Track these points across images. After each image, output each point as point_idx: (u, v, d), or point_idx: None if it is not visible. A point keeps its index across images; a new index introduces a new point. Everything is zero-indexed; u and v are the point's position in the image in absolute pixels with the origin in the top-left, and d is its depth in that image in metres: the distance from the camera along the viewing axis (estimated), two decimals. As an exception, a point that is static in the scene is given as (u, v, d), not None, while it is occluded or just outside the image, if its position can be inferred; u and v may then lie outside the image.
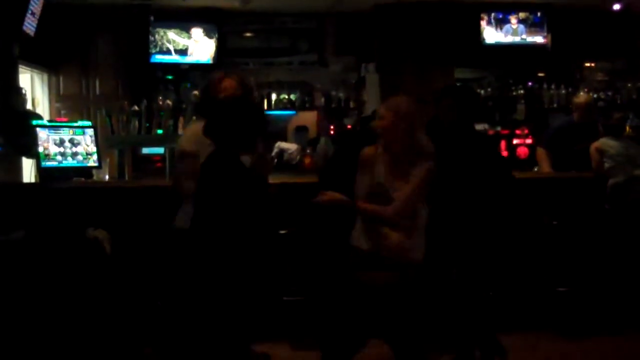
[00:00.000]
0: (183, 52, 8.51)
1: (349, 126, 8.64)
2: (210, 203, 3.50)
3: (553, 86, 8.83)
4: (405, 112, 3.78)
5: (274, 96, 8.81)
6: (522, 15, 8.70)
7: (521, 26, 8.72)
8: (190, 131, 4.29)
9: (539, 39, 8.73)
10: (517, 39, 8.72)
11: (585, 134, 6.39)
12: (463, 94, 4.85)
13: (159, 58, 8.42)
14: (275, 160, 7.38)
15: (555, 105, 8.78)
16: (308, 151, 7.83)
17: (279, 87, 8.94)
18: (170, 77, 8.58)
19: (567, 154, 6.50)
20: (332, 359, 3.78)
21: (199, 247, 3.55)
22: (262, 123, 3.77)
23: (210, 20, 8.57)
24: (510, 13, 8.72)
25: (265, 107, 8.75)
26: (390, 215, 3.67)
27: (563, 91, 8.78)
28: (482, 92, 8.93)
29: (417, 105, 3.85)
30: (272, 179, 5.64)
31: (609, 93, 8.86)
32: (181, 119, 6.52)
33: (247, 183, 3.59)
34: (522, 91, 8.87)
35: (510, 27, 8.71)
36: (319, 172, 5.56)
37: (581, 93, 7.35)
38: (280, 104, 8.81)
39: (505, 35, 8.70)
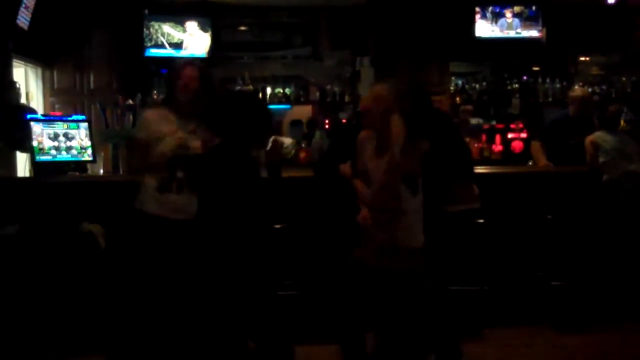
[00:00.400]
0: (177, 45, 8.50)
1: (344, 120, 8.63)
2: (222, 196, 3.52)
3: (548, 80, 8.83)
4: (380, 95, 3.84)
5: (268, 90, 8.80)
6: (516, 9, 8.71)
7: (516, 20, 8.72)
8: (144, 119, 4.28)
9: (533, 33, 8.74)
10: (511, 33, 8.72)
11: (580, 128, 6.40)
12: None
13: (153, 52, 8.40)
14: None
15: (550, 99, 8.79)
16: (303, 145, 7.82)
17: (274, 81, 8.93)
18: (164, 71, 8.55)
19: (563, 148, 6.50)
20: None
21: (206, 238, 3.57)
22: (270, 119, 3.81)
23: (204, 13, 8.55)
24: (505, 7, 8.72)
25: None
26: (367, 199, 3.78)
27: (558, 85, 8.79)
28: (477, 86, 8.94)
29: (397, 92, 3.86)
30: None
31: (604, 87, 8.87)
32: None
33: (257, 177, 3.61)
34: (517, 85, 8.88)
35: (505, 21, 8.71)
36: (313, 166, 5.56)
37: (577, 87, 7.35)
38: (275, 98, 8.79)
39: (500, 30, 8.70)
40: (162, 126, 4.06)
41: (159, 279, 4.01)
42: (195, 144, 4.00)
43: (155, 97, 7.48)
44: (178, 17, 8.46)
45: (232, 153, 3.57)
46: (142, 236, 4.05)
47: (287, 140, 6.45)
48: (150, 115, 4.23)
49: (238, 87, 8.38)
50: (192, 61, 4.46)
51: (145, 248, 4.04)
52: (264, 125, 3.66)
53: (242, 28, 9.05)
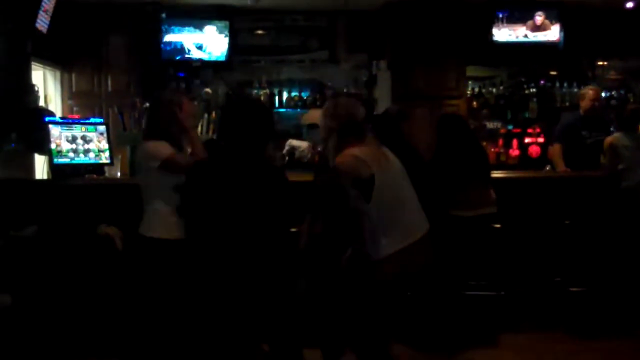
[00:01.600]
0: (195, 49, 8.51)
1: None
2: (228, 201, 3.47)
3: (565, 85, 8.79)
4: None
5: (285, 94, 8.81)
6: (534, 12, 8.66)
7: (534, 24, 8.68)
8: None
9: (551, 37, 8.69)
10: (529, 37, 8.68)
11: (594, 126, 6.41)
12: None
13: (170, 55, 8.43)
14: (287, 158, 7.36)
15: (567, 103, 8.73)
16: (319, 149, 7.81)
17: (290, 85, 8.94)
18: (181, 75, 8.58)
19: (579, 148, 6.49)
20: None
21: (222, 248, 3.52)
22: (270, 123, 3.76)
23: (222, 17, 8.57)
24: (522, 10, 8.68)
25: (277, 104, 8.76)
26: None
27: (575, 90, 8.73)
28: (494, 90, 8.91)
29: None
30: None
31: (622, 91, 8.82)
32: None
33: (270, 180, 3.59)
34: (534, 90, 8.83)
35: (522, 25, 8.67)
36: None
37: (588, 87, 7.35)
38: (291, 102, 8.80)
39: (518, 34, 8.66)
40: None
41: (172, 292, 4.06)
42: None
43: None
44: (196, 21, 8.48)
45: (235, 159, 3.51)
46: (153, 262, 4.08)
47: (303, 144, 6.47)
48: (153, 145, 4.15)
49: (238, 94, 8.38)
50: (188, 94, 4.49)
51: (157, 273, 4.08)
52: (262, 129, 3.60)
53: (259, 32, 9.06)
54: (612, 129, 6.53)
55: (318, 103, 8.75)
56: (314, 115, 8.92)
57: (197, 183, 3.52)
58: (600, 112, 6.66)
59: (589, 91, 6.75)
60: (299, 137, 8.16)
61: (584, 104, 6.64)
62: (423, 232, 3.82)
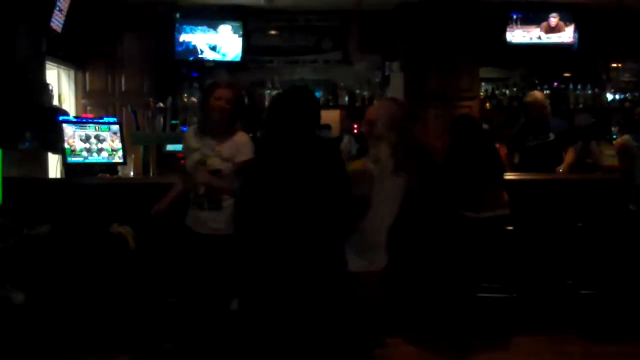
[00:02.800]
0: (208, 49, 8.54)
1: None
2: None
3: (579, 86, 8.76)
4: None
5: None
6: (548, 14, 8.63)
7: (547, 26, 8.65)
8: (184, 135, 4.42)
9: (565, 39, 8.66)
10: (543, 38, 8.65)
11: (539, 131, 6.61)
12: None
13: (184, 55, 8.45)
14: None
15: (581, 105, 8.71)
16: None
17: (303, 85, 8.95)
18: (195, 74, 8.61)
19: (524, 151, 6.69)
20: None
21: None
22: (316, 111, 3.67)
23: (235, 17, 8.59)
24: (536, 12, 8.65)
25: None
26: None
27: (589, 92, 8.71)
28: (508, 91, 8.88)
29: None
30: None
31: (636, 94, 8.77)
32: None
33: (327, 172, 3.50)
34: (547, 91, 8.79)
35: (536, 26, 8.64)
36: None
37: (534, 91, 7.36)
38: (304, 102, 8.80)
39: (531, 35, 8.64)
40: (193, 142, 4.21)
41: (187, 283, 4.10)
42: (215, 161, 4.09)
43: (185, 100, 7.52)
44: (209, 21, 8.50)
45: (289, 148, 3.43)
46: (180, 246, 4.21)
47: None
48: (187, 132, 4.40)
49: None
50: (226, 82, 4.53)
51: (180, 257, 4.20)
52: (309, 115, 3.51)
53: (273, 32, 9.08)
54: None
55: (331, 104, 8.77)
56: (327, 116, 8.95)
57: (257, 179, 3.46)
58: (546, 116, 6.71)
59: (538, 95, 6.92)
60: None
61: (537, 107, 6.67)
62: (377, 268, 3.85)
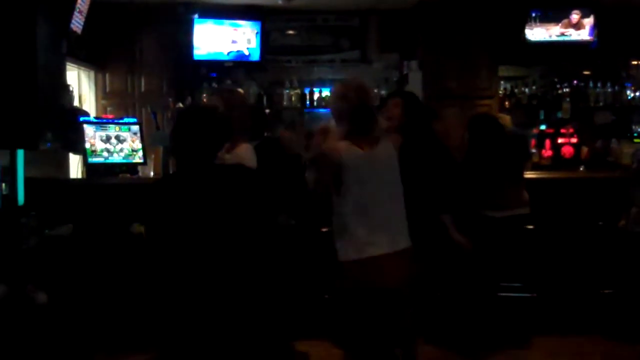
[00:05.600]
0: (227, 49, 8.55)
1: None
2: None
3: (599, 84, 8.70)
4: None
5: (316, 94, 8.82)
6: (568, 12, 8.58)
7: (568, 23, 8.60)
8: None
9: (584, 37, 8.60)
10: (562, 36, 8.60)
11: None
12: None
13: (203, 55, 8.48)
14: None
15: (601, 103, 8.64)
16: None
17: (321, 85, 8.94)
18: (214, 75, 8.63)
19: None
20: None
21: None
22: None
23: (254, 17, 8.60)
24: (555, 9, 8.60)
25: (308, 104, 8.78)
26: None
27: (609, 89, 8.64)
28: (527, 90, 8.84)
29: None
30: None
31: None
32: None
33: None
34: (567, 89, 8.74)
35: (556, 24, 8.59)
36: None
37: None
38: (322, 102, 8.82)
39: (551, 33, 8.59)
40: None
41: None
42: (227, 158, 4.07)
43: (204, 100, 7.55)
44: (228, 21, 8.52)
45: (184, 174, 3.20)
46: None
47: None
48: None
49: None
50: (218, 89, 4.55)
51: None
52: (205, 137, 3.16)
53: (291, 32, 9.09)
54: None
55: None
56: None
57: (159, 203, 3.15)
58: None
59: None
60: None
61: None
62: (387, 251, 3.62)
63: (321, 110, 8.81)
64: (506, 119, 6.41)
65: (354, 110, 3.76)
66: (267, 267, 3.24)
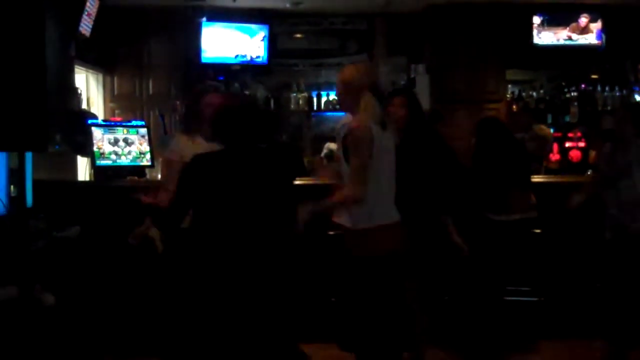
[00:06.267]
0: (235, 53, 8.56)
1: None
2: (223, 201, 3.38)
3: (607, 88, 8.68)
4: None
5: (323, 97, 8.84)
6: (575, 15, 8.57)
7: (576, 26, 8.59)
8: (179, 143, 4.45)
9: (592, 40, 8.60)
10: (570, 40, 8.59)
11: None
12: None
13: (210, 58, 8.49)
14: (325, 160, 7.40)
15: (609, 107, 8.62)
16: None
17: (329, 88, 8.96)
18: (221, 78, 8.65)
19: None
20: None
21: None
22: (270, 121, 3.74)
23: (261, 21, 8.62)
24: (563, 13, 8.60)
25: (315, 107, 8.80)
26: None
27: (617, 93, 8.63)
28: (535, 94, 8.83)
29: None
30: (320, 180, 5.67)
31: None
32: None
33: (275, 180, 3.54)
34: (575, 93, 8.73)
35: (564, 28, 8.58)
36: None
37: None
38: (329, 105, 8.83)
39: (558, 36, 8.58)
40: (197, 150, 4.19)
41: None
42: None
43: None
44: (236, 25, 8.54)
45: (228, 154, 3.47)
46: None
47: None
48: (185, 140, 4.41)
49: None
50: (214, 89, 4.66)
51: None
52: (253, 123, 3.54)
53: (298, 35, 9.11)
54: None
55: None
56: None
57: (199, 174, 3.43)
58: None
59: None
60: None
61: None
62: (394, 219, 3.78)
63: (328, 113, 8.83)
64: (546, 131, 6.39)
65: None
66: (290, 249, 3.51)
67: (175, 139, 4.59)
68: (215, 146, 3.76)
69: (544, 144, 6.21)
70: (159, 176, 6.41)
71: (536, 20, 8.53)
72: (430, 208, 4.61)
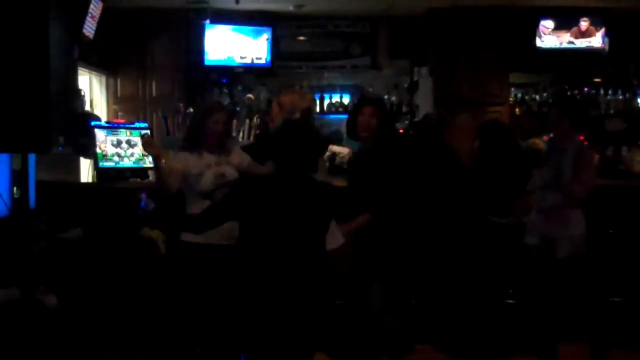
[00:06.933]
0: (238, 55, 8.57)
1: (401, 130, 8.62)
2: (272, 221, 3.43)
3: (610, 92, 8.67)
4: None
5: (326, 100, 8.84)
6: (579, 19, 8.57)
7: (578, 31, 8.59)
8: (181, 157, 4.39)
9: (596, 44, 8.59)
10: (573, 43, 8.59)
11: None
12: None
13: (213, 61, 8.50)
14: (327, 163, 7.39)
15: (612, 111, 8.61)
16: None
17: (332, 91, 8.97)
18: (225, 80, 8.66)
19: None
20: None
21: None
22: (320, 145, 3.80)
23: (264, 23, 8.63)
24: (566, 17, 8.60)
25: (318, 110, 8.80)
26: None
27: (620, 97, 8.62)
28: (538, 97, 8.82)
29: None
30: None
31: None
32: (234, 122, 6.59)
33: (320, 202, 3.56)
34: (578, 97, 8.72)
35: (567, 31, 8.58)
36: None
37: None
38: (332, 108, 8.84)
39: (561, 40, 8.58)
40: (200, 163, 4.26)
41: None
42: (230, 171, 4.26)
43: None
44: (239, 27, 8.55)
45: (284, 180, 3.49)
46: (190, 266, 4.21)
47: (344, 150, 6.49)
48: (186, 155, 4.34)
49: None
50: (219, 105, 4.73)
51: (193, 277, 4.22)
52: (314, 152, 3.58)
53: (301, 38, 9.12)
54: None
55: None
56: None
57: (252, 198, 3.48)
58: None
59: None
60: (339, 143, 8.18)
61: None
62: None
63: (331, 116, 8.83)
64: (540, 145, 6.37)
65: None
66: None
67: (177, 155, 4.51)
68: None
69: (537, 159, 6.23)
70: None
71: (549, 24, 8.52)
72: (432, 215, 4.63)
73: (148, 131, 5.84)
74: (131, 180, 5.88)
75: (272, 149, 3.55)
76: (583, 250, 4.56)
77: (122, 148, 5.88)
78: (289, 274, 3.39)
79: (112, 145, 5.84)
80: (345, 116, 8.85)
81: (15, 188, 4.58)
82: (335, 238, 3.69)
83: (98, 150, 5.75)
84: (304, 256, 3.42)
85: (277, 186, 3.47)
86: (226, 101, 7.87)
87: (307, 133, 3.59)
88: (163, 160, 4.15)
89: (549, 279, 4.57)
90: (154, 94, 8.53)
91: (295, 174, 3.47)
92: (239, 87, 8.68)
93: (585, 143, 4.78)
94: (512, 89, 8.88)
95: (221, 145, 4.34)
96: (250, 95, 8.36)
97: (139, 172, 6.00)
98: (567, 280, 4.55)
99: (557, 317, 4.61)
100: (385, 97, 8.75)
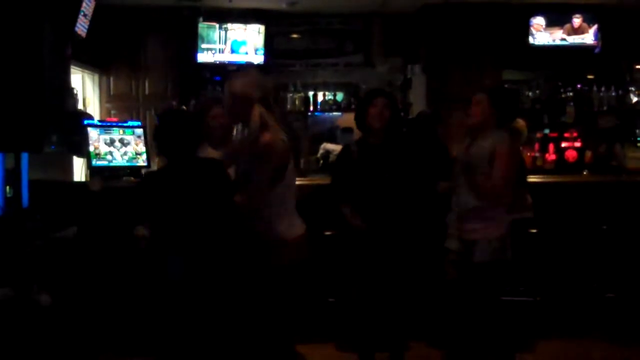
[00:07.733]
0: (231, 53, 8.56)
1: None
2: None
3: (603, 88, 8.69)
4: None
5: (319, 97, 8.83)
6: (571, 16, 8.59)
7: (571, 28, 8.60)
8: None
9: (588, 41, 8.61)
10: (566, 40, 8.60)
11: None
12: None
13: (206, 59, 8.49)
14: (321, 161, 7.40)
15: (605, 107, 8.63)
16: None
17: (325, 88, 8.97)
18: (218, 78, 8.65)
19: None
20: None
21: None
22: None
23: (258, 21, 8.62)
24: (559, 14, 8.61)
25: (311, 108, 8.80)
26: None
27: (613, 93, 8.64)
28: (531, 94, 8.83)
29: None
30: (319, 180, 5.68)
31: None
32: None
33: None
34: (571, 93, 8.74)
35: (560, 28, 8.60)
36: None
37: None
38: (326, 105, 8.83)
39: (554, 37, 8.60)
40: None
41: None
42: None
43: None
44: (232, 25, 8.53)
45: (170, 166, 3.74)
46: None
47: (338, 148, 6.50)
48: None
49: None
50: (213, 100, 4.73)
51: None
52: (186, 134, 3.73)
53: (295, 35, 9.11)
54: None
55: (353, 106, 8.76)
56: (349, 119, 8.96)
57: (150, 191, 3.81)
58: None
59: None
60: (333, 140, 8.18)
61: None
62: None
63: (325, 113, 8.83)
64: (521, 123, 6.37)
65: None
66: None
67: None
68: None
69: (519, 137, 6.20)
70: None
71: (541, 21, 8.53)
72: (428, 209, 4.62)
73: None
74: (124, 179, 5.87)
75: (155, 141, 3.78)
76: (505, 256, 4.33)
77: (115, 147, 5.86)
78: (197, 250, 3.64)
79: (105, 144, 5.82)
80: (338, 114, 8.95)
81: (8, 187, 4.57)
82: (294, 226, 3.82)
83: (91, 149, 5.73)
84: (208, 231, 3.64)
85: (166, 172, 3.78)
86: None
87: (177, 118, 3.90)
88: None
89: (466, 284, 4.44)
90: (146, 92, 8.52)
91: (176, 157, 3.69)
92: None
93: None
94: (506, 85, 8.88)
95: (224, 139, 4.32)
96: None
97: (132, 170, 5.99)
98: (482, 287, 4.40)
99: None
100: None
